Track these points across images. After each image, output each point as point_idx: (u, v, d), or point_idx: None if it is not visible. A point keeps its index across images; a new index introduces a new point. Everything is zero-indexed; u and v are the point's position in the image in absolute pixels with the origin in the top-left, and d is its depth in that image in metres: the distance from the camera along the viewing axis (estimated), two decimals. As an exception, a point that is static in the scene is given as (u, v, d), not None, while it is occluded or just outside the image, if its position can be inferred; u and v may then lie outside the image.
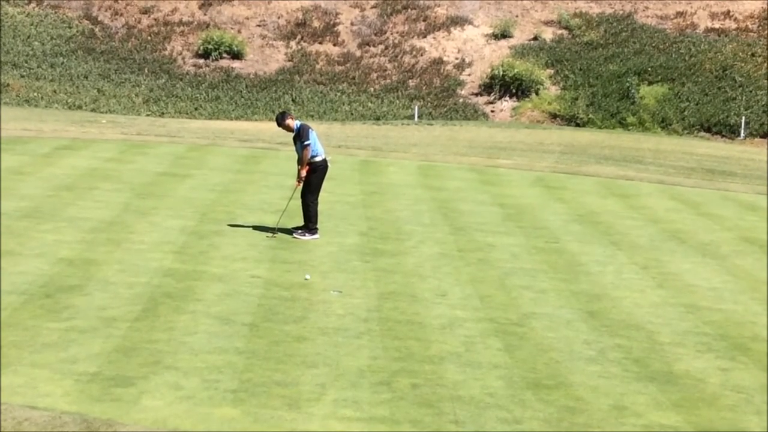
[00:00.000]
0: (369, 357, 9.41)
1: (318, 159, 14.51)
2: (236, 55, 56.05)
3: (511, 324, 10.88)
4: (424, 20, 60.18)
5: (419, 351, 9.71)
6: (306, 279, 12.01)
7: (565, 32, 59.42)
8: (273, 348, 9.51)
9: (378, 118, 49.02)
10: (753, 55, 54.93)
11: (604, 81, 53.48)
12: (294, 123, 14.51)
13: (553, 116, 52.07)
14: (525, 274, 13.30)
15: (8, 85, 48.83)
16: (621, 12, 60.81)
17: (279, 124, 14.47)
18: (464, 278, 12.86)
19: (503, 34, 58.80)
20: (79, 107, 47.05)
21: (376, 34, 59.30)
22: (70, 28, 57.46)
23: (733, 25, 58.81)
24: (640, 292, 12.70)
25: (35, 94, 48.27)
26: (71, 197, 16.71)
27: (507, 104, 53.33)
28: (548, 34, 59.28)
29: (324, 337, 9.97)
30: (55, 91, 49.30)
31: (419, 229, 15.89)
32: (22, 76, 50.79)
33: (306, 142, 14.31)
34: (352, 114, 50.62)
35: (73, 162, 20.68)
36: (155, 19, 59.13)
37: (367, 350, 9.62)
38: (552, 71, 55.37)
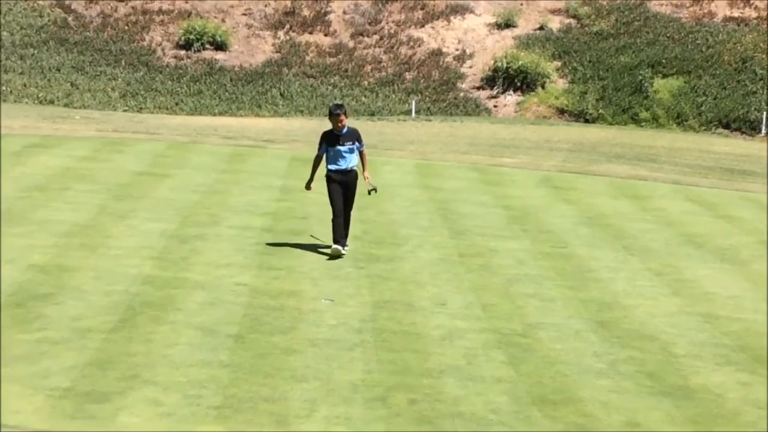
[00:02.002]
0: (363, 370, 9.41)
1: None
2: (220, 46, 56.03)
3: (516, 335, 10.88)
4: (421, 9, 60.22)
5: (417, 364, 9.70)
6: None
7: (573, 21, 59.49)
8: (260, 361, 9.50)
9: (372, 114, 49.04)
10: (775, 45, 55.05)
11: (615, 74, 53.55)
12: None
13: (561, 111, 52.12)
14: (530, 281, 13.30)
15: (-26, 78, 48.80)
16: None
17: (337, 116, 13.47)
18: (465, 286, 12.85)
19: (507, 24, 58.86)
20: (51, 102, 47.01)
21: (370, 24, 59.33)
22: (41, 17, 57.41)
23: (754, 14, 58.92)
24: (654, 300, 12.71)
25: (3, 88, 48.24)
26: (43, 199, 16.69)
27: (511, 99, 53.37)
28: (555, 23, 59.34)
29: (314, 349, 9.96)
30: (25, 85, 49.25)
31: (417, 233, 15.89)
32: (-10, 69, 50.77)
33: (363, 144, 13.88)
34: (344, 109, 50.63)
35: (45, 161, 20.66)
36: (133, 8, 59.10)
37: (360, 363, 9.61)
38: (559, 63, 55.42)
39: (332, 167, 13.72)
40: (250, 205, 17.35)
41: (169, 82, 52.27)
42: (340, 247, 13.71)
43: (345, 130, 13.63)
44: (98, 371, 8.95)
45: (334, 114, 13.62)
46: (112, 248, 13.59)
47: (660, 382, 9.62)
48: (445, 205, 18.67)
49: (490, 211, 18.34)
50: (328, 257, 13.70)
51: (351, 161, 13.71)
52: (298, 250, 14.18)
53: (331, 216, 13.95)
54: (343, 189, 13.79)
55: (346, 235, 14.01)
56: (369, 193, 14.30)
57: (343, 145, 13.62)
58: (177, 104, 49.61)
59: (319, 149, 13.78)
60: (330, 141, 13.64)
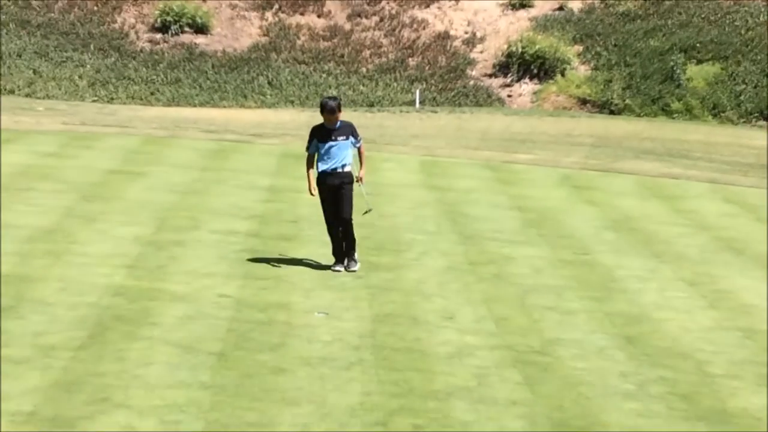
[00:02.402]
0: (361, 392, 9.40)
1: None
2: (200, 29, 56.05)
3: (533, 352, 10.87)
4: (426, -14, 60.25)
5: (421, 385, 9.70)
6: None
7: (596, 0, 59.50)
8: (245, 382, 9.49)
9: (371, 105, 49.05)
10: (822, 27, 55.07)
11: (644, 59, 53.56)
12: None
13: (583, 102, 52.13)
14: (549, 291, 13.29)
15: (-76, 65, 48.78)
16: (664, -24, 60.95)
17: (330, 111, 13.20)
18: (476, 297, 12.85)
19: (522, 3, 58.87)
20: (12, 92, 47.03)
21: (369, 4, 59.35)
22: (0, -4, 57.43)
23: (799, -8, 58.92)
24: (688, 313, 12.70)
25: (-42, 75, 48.25)
26: (2, 200, 16.67)
27: (527, 87, 53.38)
28: (576, 2, 59.37)
29: (307, 369, 9.95)
30: (-19, 73, 49.28)
31: (422, 238, 15.89)
32: (-58, 55, 50.77)
33: (361, 139, 13.66)
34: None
35: (4, 158, 20.65)
36: (103, -14, 59.10)
37: (358, 384, 9.61)
38: (581, 47, 55.42)
39: (324, 167, 13.35)
40: (234, 207, 17.35)
41: (144, 70, 52.29)
42: (341, 269, 13.54)
43: (338, 123, 13.38)
44: (64, 394, 8.95)
45: (327, 109, 13.27)
46: (79, 255, 13.58)
47: (694, 405, 9.61)
48: (454, 207, 18.67)
49: (503, 213, 18.34)
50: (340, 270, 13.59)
51: (345, 158, 13.37)
52: (289, 258, 14.18)
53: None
54: (334, 195, 13.42)
55: (353, 246, 13.71)
56: (363, 214, 14.18)
57: (336, 140, 13.29)
58: (152, 94, 49.64)
59: (309, 147, 13.44)
60: (321, 136, 13.33)
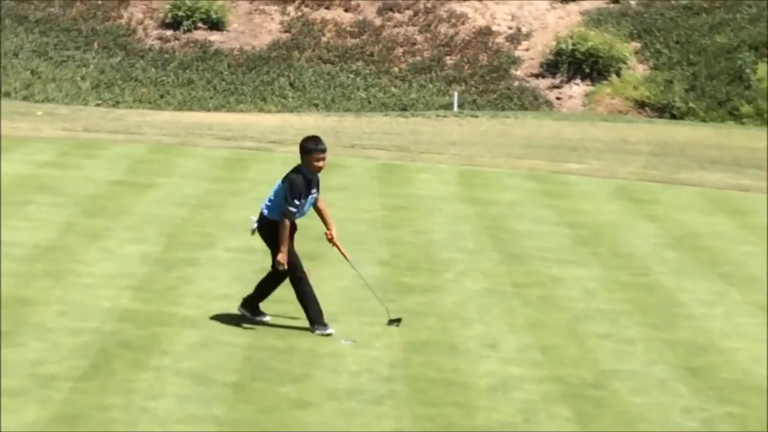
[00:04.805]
0: (393, 429, 9.40)
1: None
2: (215, 25, 56.30)
3: (585, 385, 10.84)
4: (466, -23, 60.33)
5: (461, 420, 9.68)
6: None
7: (655, -8, 59.34)
8: (264, 417, 9.51)
9: (405, 108, 49.10)
10: None
11: (709, 57, 53.36)
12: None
13: (641, 105, 51.96)
14: (603, 317, 13.25)
15: None
16: (731, -35, 60.76)
17: (321, 153, 11.93)
18: (521, 323, 12.82)
19: (573, -5, 58.81)
20: (7, 94, 47.34)
21: (401, -4, 59.44)
22: (-6, -11, 57.93)
23: None
24: (760, 342, 12.62)
25: (-52, 76, 48.64)
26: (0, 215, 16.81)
27: (578, 89, 53.27)
28: (633, -6, 59.22)
29: (332, 403, 9.95)
30: (-26, 73, 49.66)
31: (460, 257, 15.87)
32: (-69, 54, 51.20)
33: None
34: (369, 102, 50.71)
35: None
36: (108, -23, 59.51)
37: (390, 420, 9.61)
38: (638, 45, 55.28)
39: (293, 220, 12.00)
40: (252, 222, 17.37)
41: (153, 70, 52.57)
42: (329, 330, 12.07)
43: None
44: (65, 428, 8.99)
45: (317, 150, 11.88)
46: (82, 276, 13.65)
47: (767, 446, 9.56)
48: (496, 222, 18.64)
49: (551, 229, 18.30)
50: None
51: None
52: (312, 279, 14.18)
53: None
54: None
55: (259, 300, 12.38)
56: (388, 324, 12.46)
57: (311, 193, 12.01)
58: (162, 97, 49.88)
59: (296, 205, 11.84)
60: (306, 190, 11.93)
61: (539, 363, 11.42)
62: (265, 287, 12.25)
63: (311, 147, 11.87)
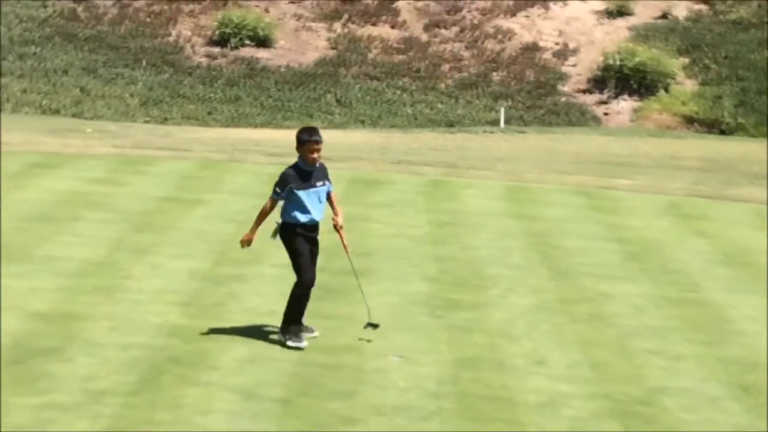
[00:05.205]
0: (442, 445, 9.39)
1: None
2: (262, 42, 56.56)
3: (635, 402, 10.78)
4: (512, -7, 60.32)
5: (510, 438, 9.66)
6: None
7: (704, 7, 59.09)
8: (313, 432, 9.53)
9: (451, 124, 49.09)
10: None
11: (758, 73, 53.00)
12: None
13: (689, 120, 51.70)
14: (653, 334, 13.18)
15: (-36, 83, 49.70)
16: (781, -21, 60.43)
17: (314, 144, 11.89)
18: (569, 340, 12.77)
19: (620, 11, 58.63)
20: (57, 112, 47.75)
21: (448, 12, 59.53)
22: (45, 7, 58.50)
23: None
24: (811, 359, 12.52)
25: (1, 94, 49.06)
26: (47, 231, 16.94)
27: (626, 104, 53.09)
28: (681, 9, 58.99)
29: (380, 419, 9.95)
30: (25, 91, 50.12)
31: (508, 273, 15.84)
32: (-18, 72, 51.73)
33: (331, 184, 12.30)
34: (416, 119, 50.75)
35: (50, 184, 20.98)
36: (156, -5, 59.96)
37: (439, 436, 9.60)
38: (687, 60, 55.03)
39: (302, 218, 11.97)
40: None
41: (200, 87, 52.86)
42: (300, 343, 11.95)
43: (317, 163, 12.05)
44: (115, 444, 9.05)
45: (311, 141, 11.86)
46: (131, 292, 13.73)
47: (820, 464, 9.47)
48: (544, 238, 18.59)
49: (600, 245, 18.23)
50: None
51: (323, 210, 12.13)
52: (360, 295, 14.19)
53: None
54: (310, 251, 12.19)
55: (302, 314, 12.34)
56: (365, 327, 12.40)
57: (315, 185, 11.95)
58: (210, 113, 50.13)
59: (277, 194, 11.95)
60: (301, 181, 11.89)
61: (588, 380, 11.38)
62: (290, 308, 12.18)
63: (305, 138, 11.89)
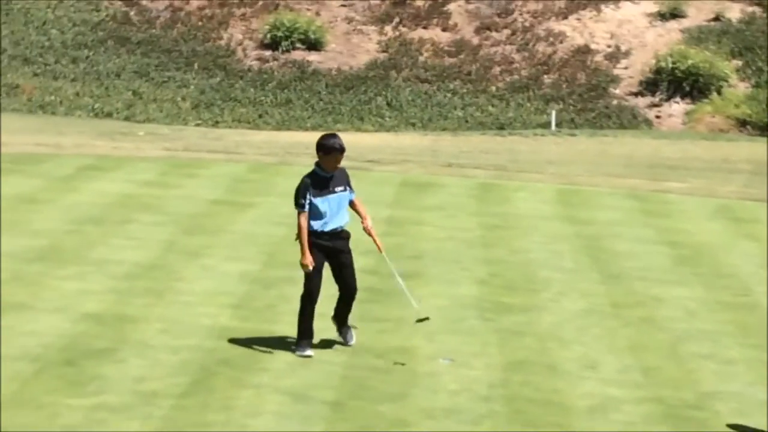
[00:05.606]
0: (492, 449, 9.37)
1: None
2: (313, 45, 56.69)
3: (687, 407, 10.71)
4: (564, -5, 60.11)
5: (560, 442, 9.63)
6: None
7: (758, 9, 58.59)
8: (363, 435, 9.54)
9: (502, 127, 48.99)
10: None
11: (813, 75, 52.48)
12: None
13: (742, 123, 51.28)
14: (705, 338, 13.09)
15: (18, 86, 50.17)
16: (835, -20, 59.81)
17: (341, 150, 11.71)
18: (621, 344, 12.71)
19: (673, 13, 58.27)
20: (109, 114, 48.12)
21: (499, 15, 59.42)
22: (98, 11, 58.96)
23: None
24: None
25: (52, 97, 49.54)
26: (99, 233, 17.08)
27: (678, 107, 52.75)
28: (735, 12, 58.54)
29: (431, 422, 9.95)
30: (78, 94, 50.55)
31: (559, 277, 15.79)
32: (36, 75, 52.21)
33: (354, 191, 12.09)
34: (467, 121, 50.69)
35: (102, 187, 21.15)
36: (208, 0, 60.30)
37: (489, 440, 9.58)
38: (740, 62, 54.60)
39: (315, 225, 11.69)
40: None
41: (252, 90, 53.07)
42: (308, 351, 11.77)
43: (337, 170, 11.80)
44: (166, 445, 9.10)
45: (337, 150, 11.63)
46: (182, 294, 13.81)
47: None
48: (595, 241, 18.52)
49: (652, 249, 18.13)
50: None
51: (345, 216, 11.87)
52: (407, 297, 14.19)
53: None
54: (333, 259, 11.92)
55: (346, 322, 12.24)
56: (418, 322, 12.28)
57: (334, 191, 11.70)
58: (261, 116, 50.32)
59: (301, 206, 11.65)
60: (317, 188, 11.65)
61: (640, 384, 11.32)
62: (339, 311, 12.17)
63: (332, 146, 11.64)
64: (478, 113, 51.50)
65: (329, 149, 11.63)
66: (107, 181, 21.85)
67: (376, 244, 12.14)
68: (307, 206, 11.58)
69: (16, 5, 57.99)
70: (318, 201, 11.59)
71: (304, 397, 10.39)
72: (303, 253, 11.64)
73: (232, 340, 11.99)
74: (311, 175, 11.73)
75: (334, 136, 11.87)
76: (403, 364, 11.52)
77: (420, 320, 12.21)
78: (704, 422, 10.31)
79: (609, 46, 57.02)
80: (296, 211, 11.68)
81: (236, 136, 37.58)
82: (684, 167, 31.14)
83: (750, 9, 58.71)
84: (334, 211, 11.71)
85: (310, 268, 11.69)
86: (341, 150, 11.64)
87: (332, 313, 12.24)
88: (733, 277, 16.41)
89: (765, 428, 10.23)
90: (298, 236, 11.72)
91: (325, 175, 11.69)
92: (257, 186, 22.48)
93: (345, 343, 12.10)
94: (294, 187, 11.72)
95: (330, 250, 11.79)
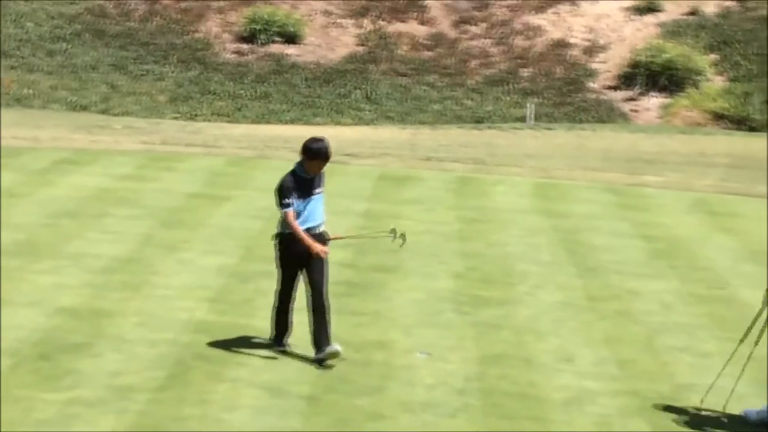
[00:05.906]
0: (468, 442, 9.38)
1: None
2: (291, 39, 56.62)
3: (663, 399, 10.75)
4: (541, -11, 60.20)
5: (536, 435, 9.65)
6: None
7: (733, 4, 58.81)
8: (339, 429, 9.53)
9: (479, 121, 49.04)
10: None
11: (789, 69, 52.71)
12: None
13: (719, 117, 51.45)
14: (681, 331, 13.14)
15: (-6, 79, 49.99)
16: (811, -25, 60.06)
17: (325, 157, 11.66)
18: (597, 337, 12.75)
19: (649, 8, 58.42)
20: (86, 108, 47.96)
21: (477, 9, 59.45)
22: (74, 4, 58.76)
23: None
24: (841, 357, 12.44)
25: (28, 90, 49.36)
26: (75, 227, 17.02)
27: (654, 101, 52.89)
28: (711, 6, 58.74)
29: (407, 415, 9.95)
30: (54, 87, 50.37)
31: (536, 270, 15.82)
32: (12, 68, 52.00)
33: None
34: (444, 115, 50.70)
35: (78, 180, 21.08)
36: (185, -8, 60.15)
37: (465, 433, 9.59)
38: (717, 56, 54.77)
39: (301, 227, 11.55)
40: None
41: (229, 83, 52.97)
42: (284, 345, 11.68)
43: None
44: (142, 439, 9.08)
45: (321, 155, 11.56)
46: (159, 288, 13.79)
47: None
48: (572, 235, 18.56)
49: (628, 242, 18.18)
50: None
51: (322, 215, 11.78)
52: (387, 291, 14.21)
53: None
54: (308, 263, 11.62)
55: (328, 337, 11.52)
56: (394, 239, 12.31)
57: (313, 193, 11.63)
58: (239, 110, 50.22)
59: (287, 205, 11.44)
60: (299, 191, 11.51)
61: (615, 377, 11.36)
62: (316, 325, 11.59)
63: (320, 151, 11.54)
64: (455, 107, 51.52)
65: (314, 154, 11.51)
66: (84, 175, 21.77)
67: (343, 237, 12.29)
68: (293, 205, 11.38)
69: (-8, -2, 57.72)
70: (297, 203, 11.47)
71: (280, 391, 10.38)
72: (310, 246, 11.40)
73: (209, 334, 11.97)
74: (293, 177, 11.55)
75: (321, 140, 11.65)
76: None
77: (397, 238, 12.18)
78: (679, 414, 10.34)
79: (586, 41, 57.12)
80: (282, 211, 11.47)
81: (214, 130, 37.50)
82: (661, 161, 31.22)
83: (726, 3, 58.91)
84: (311, 211, 11.58)
85: (327, 251, 11.59)
86: (326, 158, 11.53)
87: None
88: (709, 270, 16.47)
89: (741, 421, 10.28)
90: (293, 227, 11.44)
91: (307, 177, 11.57)
92: (235, 180, 22.45)
93: (321, 361, 11.34)
94: (272, 181, 11.67)
95: (305, 252, 11.51)
